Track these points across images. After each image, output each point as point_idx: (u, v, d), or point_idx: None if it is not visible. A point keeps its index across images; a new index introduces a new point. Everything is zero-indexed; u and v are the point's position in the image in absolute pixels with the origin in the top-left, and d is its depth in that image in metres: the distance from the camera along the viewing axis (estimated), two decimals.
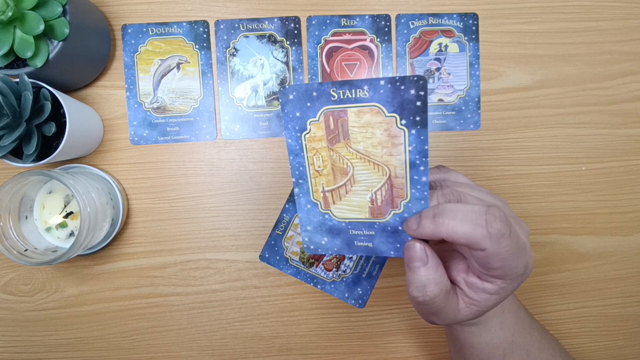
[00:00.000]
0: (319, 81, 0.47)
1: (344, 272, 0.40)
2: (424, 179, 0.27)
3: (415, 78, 0.24)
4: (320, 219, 0.31)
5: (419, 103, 0.25)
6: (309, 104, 0.27)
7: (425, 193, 0.27)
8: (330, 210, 0.31)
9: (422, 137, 0.26)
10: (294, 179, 0.31)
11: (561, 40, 0.48)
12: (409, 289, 0.27)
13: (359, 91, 0.26)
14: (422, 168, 0.27)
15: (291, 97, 0.27)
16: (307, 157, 0.29)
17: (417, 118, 0.25)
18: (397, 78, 0.25)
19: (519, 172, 0.48)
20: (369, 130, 0.27)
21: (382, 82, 0.25)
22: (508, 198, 0.49)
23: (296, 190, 0.31)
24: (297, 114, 0.28)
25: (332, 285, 0.40)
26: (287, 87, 0.27)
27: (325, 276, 0.40)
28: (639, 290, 0.50)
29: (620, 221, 0.49)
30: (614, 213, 0.49)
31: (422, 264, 0.26)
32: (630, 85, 0.49)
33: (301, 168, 0.30)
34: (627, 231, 0.49)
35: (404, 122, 0.26)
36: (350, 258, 0.41)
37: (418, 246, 0.27)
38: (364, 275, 0.40)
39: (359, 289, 0.40)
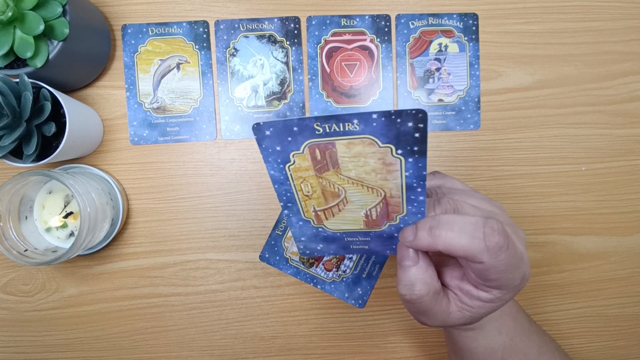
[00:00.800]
0: (319, 81, 0.47)
1: (344, 272, 0.40)
2: (421, 198, 0.25)
3: (414, 112, 0.21)
4: (314, 232, 0.30)
5: (417, 135, 0.22)
6: (290, 139, 0.23)
7: (422, 208, 0.26)
8: (323, 225, 0.29)
9: (420, 165, 0.23)
10: (282, 204, 0.28)
11: (561, 40, 0.48)
12: (398, 286, 0.27)
13: (348, 125, 0.22)
14: (419, 190, 0.25)
15: (268, 133, 0.23)
16: (294, 185, 0.26)
17: (415, 148, 0.22)
18: (392, 112, 0.21)
19: (519, 172, 0.48)
20: (361, 160, 0.24)
21: (374, 116, 0.21)
22: (508, 198, 0.49)
23: (285, 212, 0.29)
24: (278, 148, 0.24)
25: (332, 286, 0.40)
26: (261, 123, 0.23)
27: (325, 276, 0.40)
28: (639, 290, 0.50)
29: (620, 221, 0.49)
30: (614, 213, 0.49)
31: (413, 263, 0.26)
32: (630, 85, 0.49)
33: (288, 194, 0.27)
34: (627, 231, 0.49)
35: (400, 151, 0.23)
36: (350, 258, 0.41)
37: None
38: (364, 276, 0.40)
39: (359, 289, 0.40)
